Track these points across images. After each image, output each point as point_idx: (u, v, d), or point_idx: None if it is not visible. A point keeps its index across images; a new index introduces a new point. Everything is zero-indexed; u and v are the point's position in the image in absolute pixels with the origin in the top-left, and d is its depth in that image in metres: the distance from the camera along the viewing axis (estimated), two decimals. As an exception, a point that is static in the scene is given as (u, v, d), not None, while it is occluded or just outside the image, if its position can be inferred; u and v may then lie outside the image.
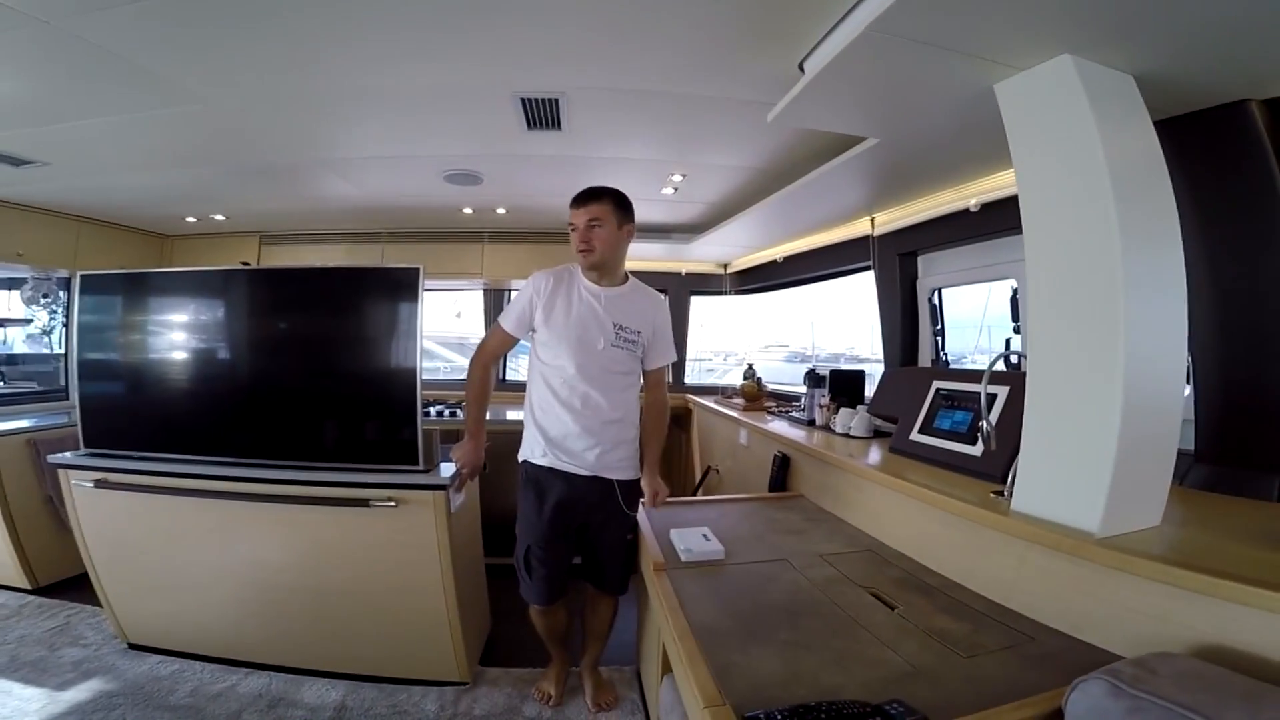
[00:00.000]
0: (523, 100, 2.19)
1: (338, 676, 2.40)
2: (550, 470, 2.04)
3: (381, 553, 2.26)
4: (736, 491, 3.00)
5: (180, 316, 2.48)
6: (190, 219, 3.88)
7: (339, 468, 2.25)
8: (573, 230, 2.01)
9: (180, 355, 2.48)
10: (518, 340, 2.14)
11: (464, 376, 2.15)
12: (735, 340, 6.14)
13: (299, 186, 3.30)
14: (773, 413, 3.46)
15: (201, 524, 2.36)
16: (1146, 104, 1.45)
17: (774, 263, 4.20)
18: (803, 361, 6.84)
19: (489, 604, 2.81)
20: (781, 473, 2.62)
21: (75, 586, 3.11)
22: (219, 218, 3.85)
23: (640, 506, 2.19)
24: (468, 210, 3.72)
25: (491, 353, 2.16)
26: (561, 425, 2.01)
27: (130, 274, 2.59)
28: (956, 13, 1.29)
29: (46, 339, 4.33)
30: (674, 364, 2.17)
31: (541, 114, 2.30)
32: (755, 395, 3.79)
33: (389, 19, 1.71)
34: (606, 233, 1.98)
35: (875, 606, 1.47)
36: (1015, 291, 2.54)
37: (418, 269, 2.21)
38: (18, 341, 4.91)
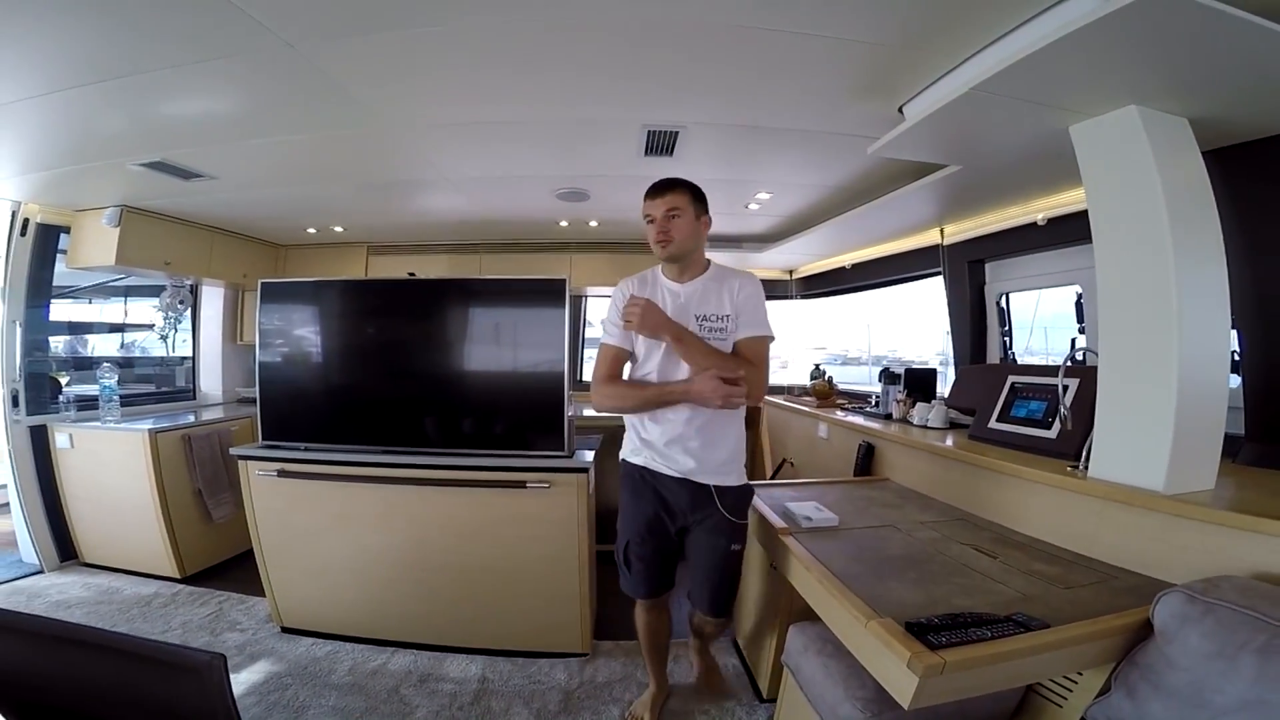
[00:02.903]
0: (649, 131, 2.48)
1: (473, 652, 2.58)
2: (645, 469, 1.99)
3: (530, 529, 2.48)
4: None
5: (354, 321, 2.77)
6: (311, 230, 4.24)
7: (499, 454, 2.51)
8: (650, 222, 1.93)
9: (352, 356, 2.75)
10: (630, 350, 1.99)
11: None
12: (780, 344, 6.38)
13: (414, 200, 3.58)
14: (844, 409, 3.71)
15: (367, 509, 2.59)
16: (1197, 139, 1.74)
17: (843, 269, 4.47)
18: (844, 364, 7.15)
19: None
20: (866, 460, 2.90)
21: (215, 575, 3.43)
22: (338, 229, 4.22)
23: (749, 512, 2.08)
24: (564, 223, 4.04)
25: (608, 374, 2.00)
26: (654, 427, 1.95)
27: (306, 282, 2.90)
28: (1047, 78, 1.61)
29: (163, 342, 4.78)
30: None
31: (660, 143, 2.61)
32: (827, 393, 4.03)
33: (560, 65, 1.99)
34: (684, 223, 1.89)
35: (979, 556, 1.79)
36: (1080, 296, 2.78)
37: (564, 279, 2.52)
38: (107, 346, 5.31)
